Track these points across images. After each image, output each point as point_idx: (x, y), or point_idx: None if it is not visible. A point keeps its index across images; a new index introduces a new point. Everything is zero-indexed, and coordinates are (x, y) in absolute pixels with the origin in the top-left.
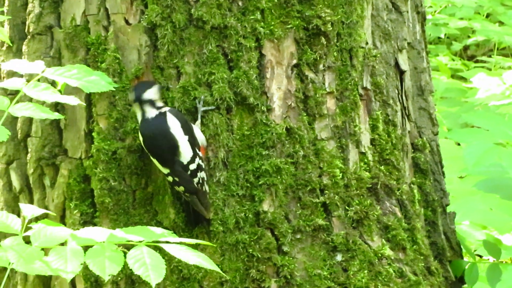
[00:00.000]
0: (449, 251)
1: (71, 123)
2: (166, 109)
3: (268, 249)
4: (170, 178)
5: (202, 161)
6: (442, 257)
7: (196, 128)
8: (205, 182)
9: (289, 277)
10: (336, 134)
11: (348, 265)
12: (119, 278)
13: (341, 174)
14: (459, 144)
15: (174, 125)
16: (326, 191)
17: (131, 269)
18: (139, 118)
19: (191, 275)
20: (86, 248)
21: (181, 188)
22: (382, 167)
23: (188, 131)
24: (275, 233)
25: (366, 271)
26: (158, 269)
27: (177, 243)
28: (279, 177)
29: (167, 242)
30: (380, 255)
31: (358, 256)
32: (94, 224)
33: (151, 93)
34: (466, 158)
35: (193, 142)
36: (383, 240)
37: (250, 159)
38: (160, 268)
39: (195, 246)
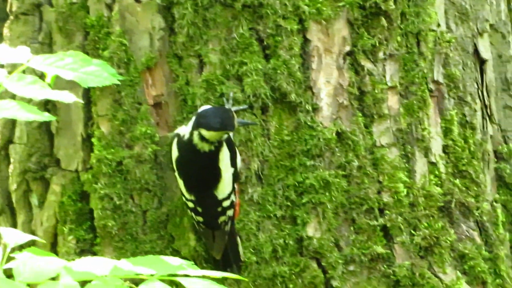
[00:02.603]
0: None
1: (65, 126)
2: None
3: (314, 284)
4: (190, 204)
5: (235, 197)
6: None
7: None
8: (229, 222)
9: None
10: (399, 139)
11: None
12: None
13: (405, 190)
14: None
15: (224, 157)
16: (387, 211)
17: None
18: (187, 133)
19: None
20: (83, 284)
21: (199, 219)
22: (457, 181)
23: (235, 162)
24: (322, 264)
25: None
26: None
27: (199, 276)
28: (327, 194)
29: (186, 275)
30: None
31: None
32: (94, 254)
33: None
34: None
35: (235, 176)
36: (458, 272)
37: (291, 172)
38: None
39: (221, 281)
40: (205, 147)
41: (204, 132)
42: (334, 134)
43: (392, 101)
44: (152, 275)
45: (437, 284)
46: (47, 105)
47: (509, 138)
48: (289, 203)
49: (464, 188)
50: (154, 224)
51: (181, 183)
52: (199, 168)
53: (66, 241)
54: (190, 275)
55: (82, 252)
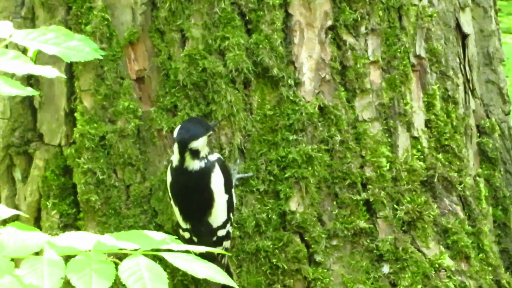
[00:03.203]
0: None
1: (48, 101)
2: (214, 157)
3: (297, 258)
4: (186, 234)
5: (232, 228)
6: None
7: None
8: (226, 256)
9: None
10: (382, 114)
11: (398, 279)
12: None
13: (388, 165)
14: None
15: (217, 180)
16: (370, 186)
17: (124, 285)
18: (175, 158)
19: None
20: (67, 259)
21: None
22: (440, 156)
23: (229, 188)
24: (306, 238)
25: (419, 286)
26: (158, 285)
27: (182, 251)
28: (310, 169)
29: (170, 250)
30: (437, 265)
31: (410, 267)
32: (77, 228)
33: (200, 142)
34: None
35: (230, 204)
36: (441, 247)
37: (274, 146)
38: (161, 282)
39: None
40: (193, 164)
41: (174, 146)
42: (316, 108)
43: (374, 76)
44: (135, 249)
45: (420, 258)
46: (30, 80)
47: (491, 113)
48: (272, 178)
49: (446, 163)
50: (137, 199)
51: (176, 211)
52: (191, 190)
53: (49, 215)
54: (173, 250)
55: (65, 227)
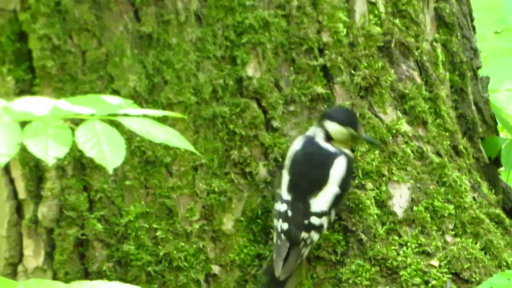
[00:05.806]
0: (482, 125)
1: None
2: (347, 152)
3: (254, 124)
4: (283, 207)
5: (329, 227)
6: (473, 133)
7: None
8: (309, 246)
9: (280, 159)
10: None
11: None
12: (66, 162)
13: (345, 30)
14: None
15: (337, 169)
16: (327, 51)
17: (80, 151)
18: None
19: (157, 158)
20: (23, 125)
21: (284, 226)
22: (397, 21)
23: (344, 186)
24: (263, 104)
25: (377, 152)
26: (116, 150)
27: (139, 116)
28: (266, 34)
29: (126, 115)
30: (394, 131)
31: (367, 133)
32: (33, 94)
33: (332, 128)
34: (504, 8)
35: (337, 200)
36: (398, 112)
37: (231, 12)
38: (119, 148)
39: (162, 120)
40: (327, 146)
41: (329, 125)
42: None
43: None
44: (92, 114)
45: (377, 124)
46: None
47: None
48: (228, 43)
49: (403, 28)
50: (93, 65)
51: (285, 180)
52: (312, 164)
53: (5, 81)
54: (130, 115)
55: (21, 93)
